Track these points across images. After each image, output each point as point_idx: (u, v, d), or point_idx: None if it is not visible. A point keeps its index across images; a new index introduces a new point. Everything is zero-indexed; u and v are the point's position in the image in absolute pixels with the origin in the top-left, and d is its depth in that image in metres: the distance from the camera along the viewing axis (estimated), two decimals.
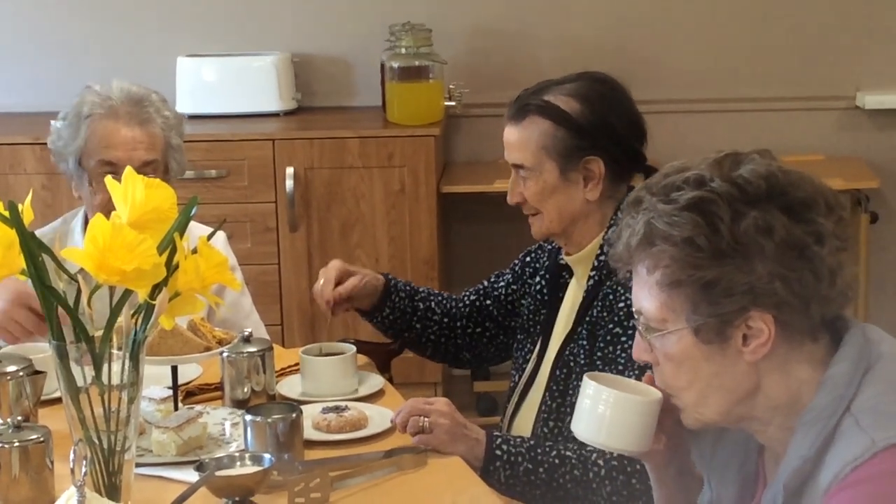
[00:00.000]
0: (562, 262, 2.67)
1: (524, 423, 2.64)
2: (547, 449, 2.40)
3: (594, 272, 2.54)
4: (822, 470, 1.66)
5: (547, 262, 2.72)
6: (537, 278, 2.74)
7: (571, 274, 2.65)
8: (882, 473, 1.61)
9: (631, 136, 2.58)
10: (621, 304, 2.46)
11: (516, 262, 2.84)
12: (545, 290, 2.70)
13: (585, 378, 1.86)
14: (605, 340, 2.48)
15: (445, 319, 2.86)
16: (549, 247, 2.73)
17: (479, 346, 2.87)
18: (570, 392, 2.51)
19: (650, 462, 1.91)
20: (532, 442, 2.42)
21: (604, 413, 1.82)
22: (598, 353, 2.47)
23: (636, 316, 1.78)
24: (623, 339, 2.45)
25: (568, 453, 2.39)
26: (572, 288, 2.65)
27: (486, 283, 2.88)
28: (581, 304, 2.56)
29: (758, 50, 4.79)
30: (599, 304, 2.51)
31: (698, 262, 1.68)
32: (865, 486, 1.61)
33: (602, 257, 2.51)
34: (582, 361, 2.50)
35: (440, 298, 2.88)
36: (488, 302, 2.85)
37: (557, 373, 2.56)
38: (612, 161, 2.54)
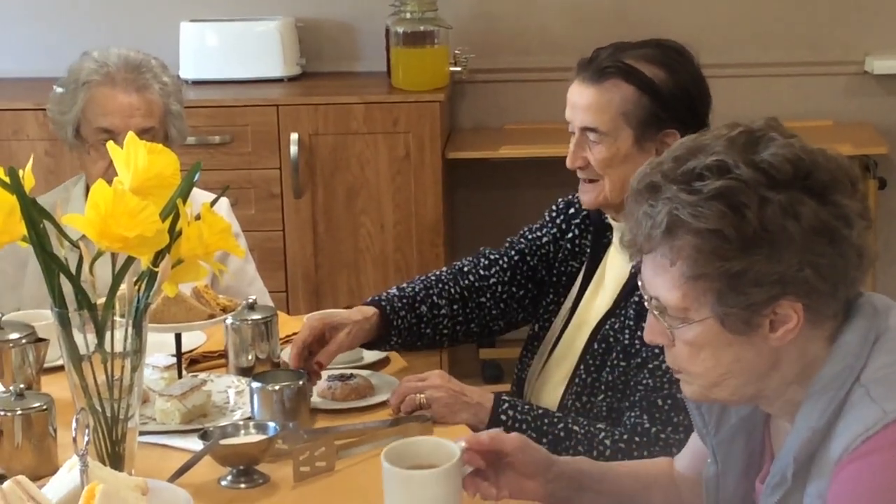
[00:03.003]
0: (606, 220, 2.56)
1: (551, 392, 2.56)
2: (554, 420, 2.37)
3: None
4: (832, 441, 1.65)
5: (585, 213, 2.60)
6: (572, 225, 2.64)
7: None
8: (893, 444, 1.60)
9: (705, 109, 2.49)
10: None
11: (555, 215, 2.68)
12: (579, 242, 2.61)
13: (382, 460, 1.84)
14: None
15: (455, 306, 2.64)
16: None
17: (510, 312, 2.69)
18: (608, 368, 2.44)
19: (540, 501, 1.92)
20: (540, 411, 2.39)
21: (402, 495, 1.82)
22: (640, 333, 2.36)
23: (647, 299, 1.72)
24: None
25: (575, 427, 2.35)
26: (615, 254, 2.54)
27: (523, 242, 2.69)
28: (627, 280, 2.47)
29: (765, 15, 4.74)
30: None
31: (726, 253, 1.63)
32: (877, 456, 1.59)
33: None
34: (626, 341, 2.43)
35: (441, 285, 2.64)
36: (534, 261, 2.68)
37: (595, 346, 2.48)
38: (688, 134, 2.44)
